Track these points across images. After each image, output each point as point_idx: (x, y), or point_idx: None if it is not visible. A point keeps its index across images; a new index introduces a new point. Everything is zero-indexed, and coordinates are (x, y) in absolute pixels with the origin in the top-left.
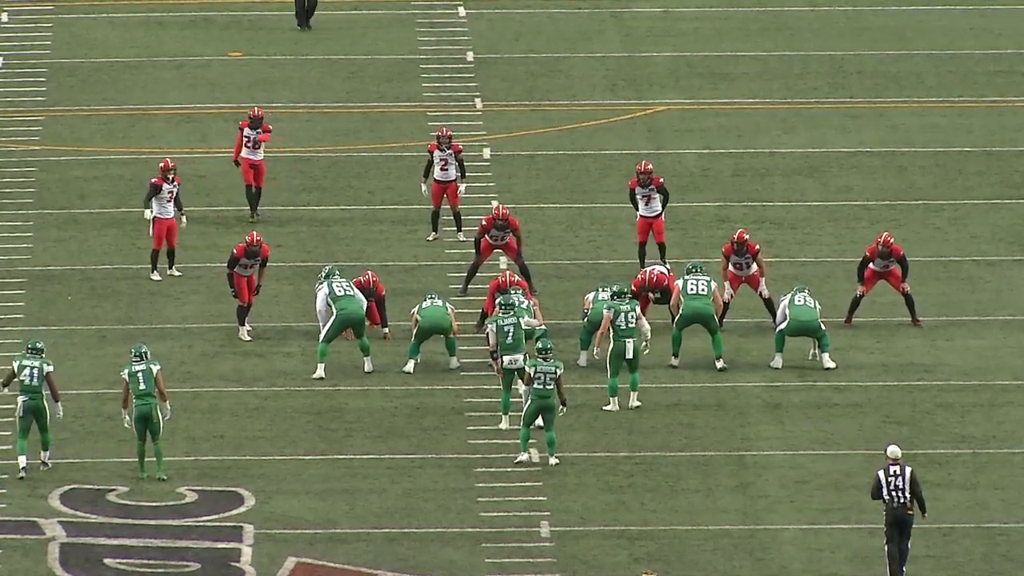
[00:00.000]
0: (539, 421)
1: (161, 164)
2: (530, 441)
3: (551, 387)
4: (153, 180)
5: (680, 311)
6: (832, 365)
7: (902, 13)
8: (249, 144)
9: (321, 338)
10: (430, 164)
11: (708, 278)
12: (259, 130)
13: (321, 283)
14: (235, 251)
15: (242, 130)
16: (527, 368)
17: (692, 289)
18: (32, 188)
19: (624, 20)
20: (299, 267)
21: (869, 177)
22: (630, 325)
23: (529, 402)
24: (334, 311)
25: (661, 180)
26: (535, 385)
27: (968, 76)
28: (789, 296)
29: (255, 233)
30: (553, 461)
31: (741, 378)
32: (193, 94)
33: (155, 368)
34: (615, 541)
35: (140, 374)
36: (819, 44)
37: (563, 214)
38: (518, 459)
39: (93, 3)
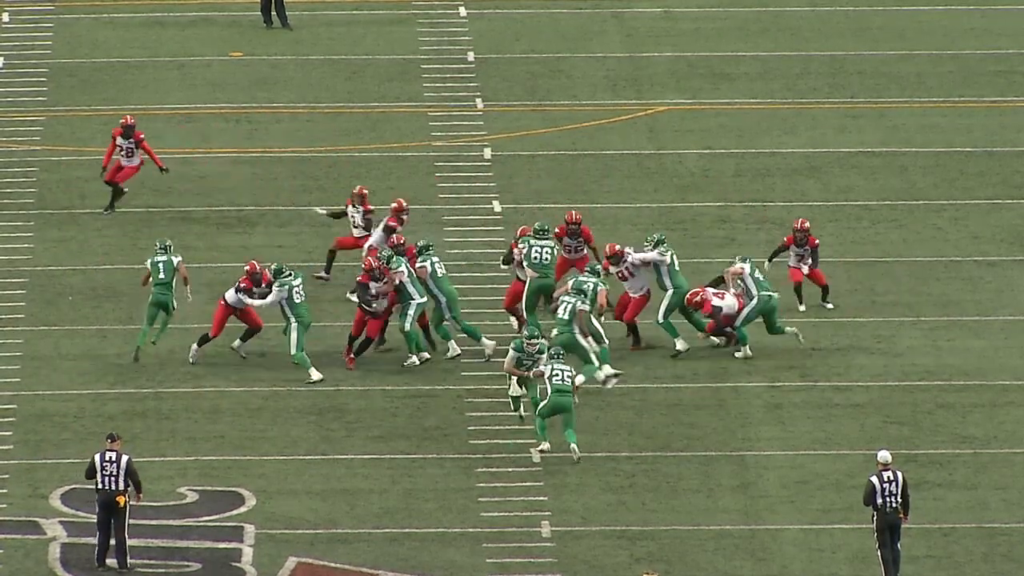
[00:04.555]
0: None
1: None
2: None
3: (568, 384)
4: None
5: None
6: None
7: (903, 13)
8: (123, 152)
9: (293, 350)
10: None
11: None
12: (132, 139)
13: (283, 286)
14: (241, 283)
15: (115, 139)
16: (543, 368)
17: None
18: (33, 188)
19: (625, 20)
20: (300, 267)
21: (870, 177)
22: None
23: (547, 399)
24: (291, 318)
25: (817, 241)
26: (554, 381)
27: (969, 76)
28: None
29: (254, 262)
30: (576, 456)
31: (742, 378)
32: (194, 94)
33: (176, 260)
34: (616, 541)
35: (161, 264)
36: (820, 44)
37: (564, 214)
38: (541, 448)
39: (94, 3)
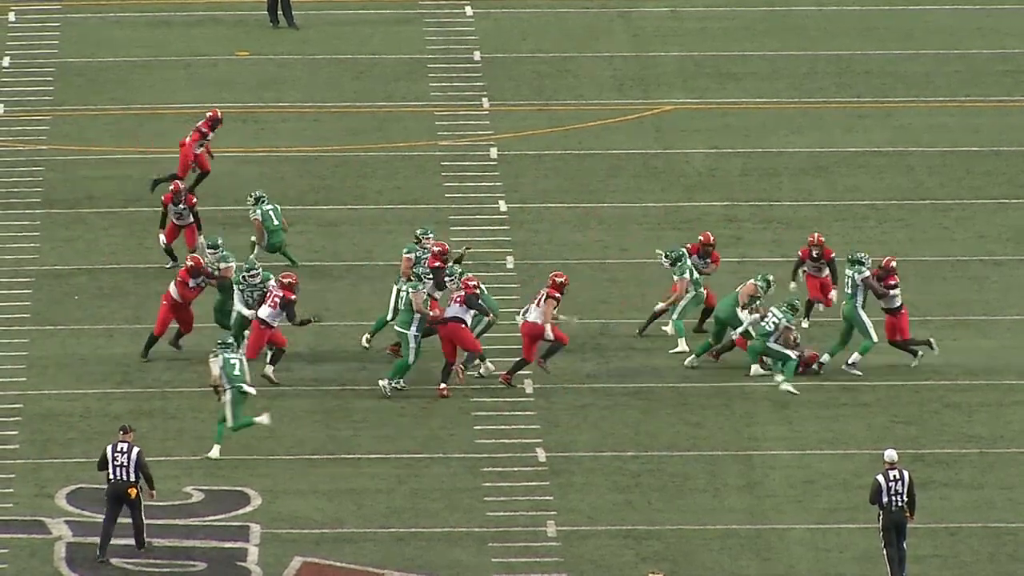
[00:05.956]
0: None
1: None
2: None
3: (770, 327)
4: None
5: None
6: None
7: (910, 13)
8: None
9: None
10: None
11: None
12: (215, 132)
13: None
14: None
15: (206, 135)
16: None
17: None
18: (40, 188)
19: (632, 20)
20: (307, 267)
21: (877, 177)
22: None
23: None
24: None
25: (833, 254)
26: (761, 324)
27: (976, 76)
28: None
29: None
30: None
31: (749, 378)
32: (201, 94)
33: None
34: (622, 541)
35: (272, 212)
36: (827, 44)
37: (570, 214)
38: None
39: (100, 3)
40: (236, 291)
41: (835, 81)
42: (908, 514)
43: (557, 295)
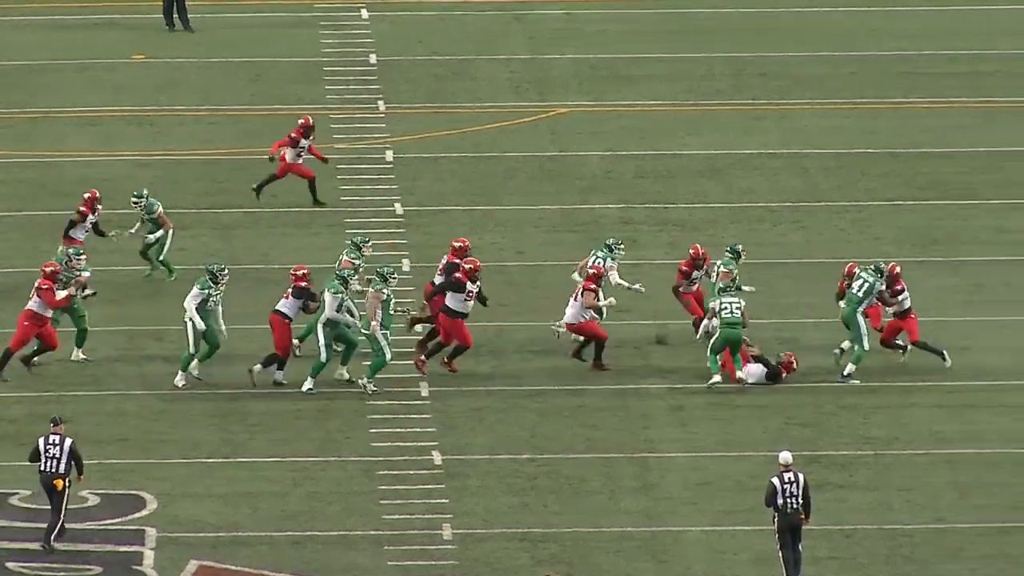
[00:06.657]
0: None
1: None
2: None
3: (737, 316)
4: None
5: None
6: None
7: (805, 14)
8: (296, 153)
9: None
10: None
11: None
12: (311, 139)
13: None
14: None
15: (297, 142)
16: (711, 304)
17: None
18: None
19: (528, 22)
20: (203, 270)
21: (772, 179)
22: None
23: (718, 334)
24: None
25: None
26: (723, 314)
27: (872, 78)
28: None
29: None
30: (744, 383)
31: (644, 380)
32: (97, 97)
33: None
34: (518, 544)
35: None
36: (722, 46)
37: (466, 216)
38: (711, 381)
39: None
40: (196, 289)
41: (731, 83)
42: (803, 516)
43: (593, 286)
